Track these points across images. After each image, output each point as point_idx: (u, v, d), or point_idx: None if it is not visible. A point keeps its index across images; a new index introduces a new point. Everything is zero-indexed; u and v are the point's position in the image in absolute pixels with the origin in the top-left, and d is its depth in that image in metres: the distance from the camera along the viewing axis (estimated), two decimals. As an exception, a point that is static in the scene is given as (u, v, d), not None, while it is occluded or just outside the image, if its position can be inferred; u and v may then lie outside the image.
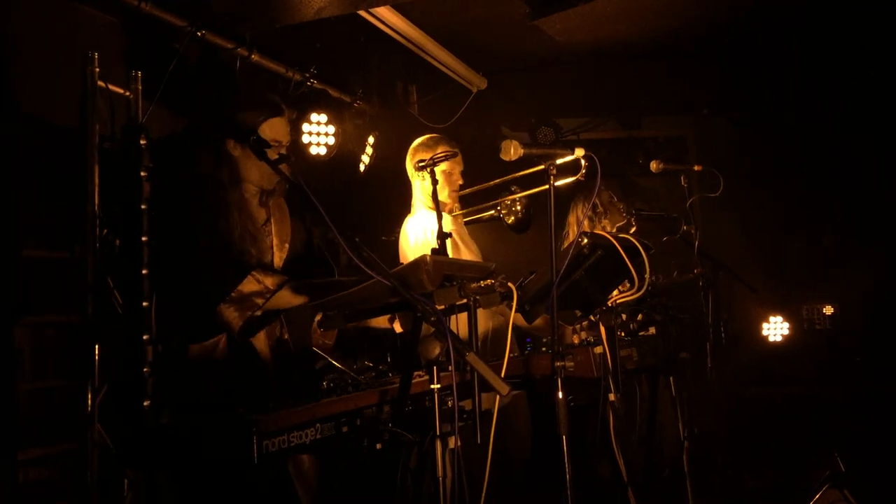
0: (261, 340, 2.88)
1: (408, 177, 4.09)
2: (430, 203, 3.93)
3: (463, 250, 3.90)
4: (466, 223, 4.07)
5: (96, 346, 2.97)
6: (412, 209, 4.07)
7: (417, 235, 3.86)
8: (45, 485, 3.31)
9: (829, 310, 6.42)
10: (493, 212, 3.87)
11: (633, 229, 4.38)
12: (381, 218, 4.27)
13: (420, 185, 4.01)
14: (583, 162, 2.80)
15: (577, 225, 4.46)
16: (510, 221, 3.81)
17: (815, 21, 5.41)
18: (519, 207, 3.76)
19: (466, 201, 4.06)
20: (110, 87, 3.18)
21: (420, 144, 4.02)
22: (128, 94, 3.29)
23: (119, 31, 3.79)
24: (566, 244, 4.23)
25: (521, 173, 3.45)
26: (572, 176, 2.88)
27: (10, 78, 3.25)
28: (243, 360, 2.82)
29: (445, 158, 3.83)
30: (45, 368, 3.43)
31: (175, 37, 3.93)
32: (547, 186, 2.76)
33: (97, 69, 3.12)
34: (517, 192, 3.74)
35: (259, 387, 2.81)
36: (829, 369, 6.09)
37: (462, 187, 4.00)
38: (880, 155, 6.32)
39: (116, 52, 3.72)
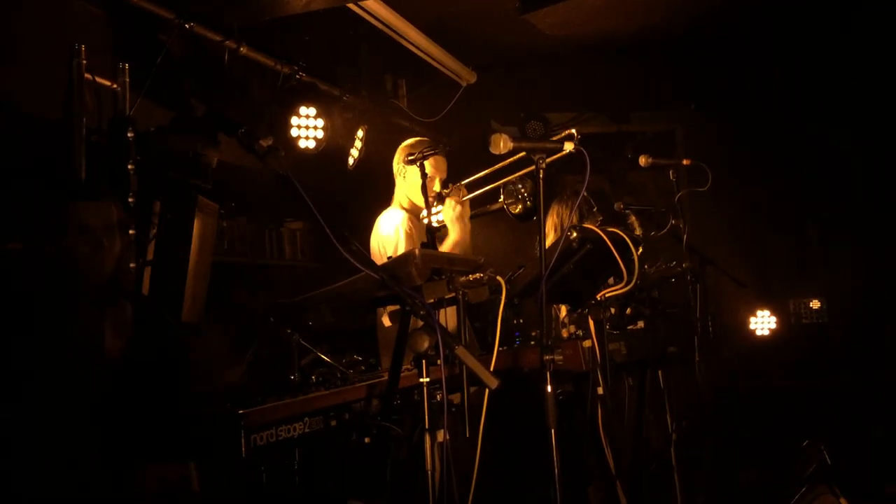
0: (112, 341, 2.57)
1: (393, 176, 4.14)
2: (405, 202, 4.05)
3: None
4: (473, 217, 4.07)
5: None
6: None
7: (388, 231, 3.95)
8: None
9: (815, 304, 6.46)
10: (499, 203, 3.81)
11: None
12: (370, 211, 4.28)
13: (399, 183, 4.06)
14: (574, 133, 2.77)
15: (556, 229, 4.46)
16: (517, 211, 3.74)
17: (801, 17, 5.43)
18: (525, 193, 3.67)
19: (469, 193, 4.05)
20: (97, 79, 3.16)
21: (408, 146, 4.08)
22: (115, 86, 3.27)
23: (106, 23, 3.77)
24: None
25: (509, 161, 3.42)
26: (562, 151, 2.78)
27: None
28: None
29: (434, 153, 3.86)
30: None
31: (163, 29, 3.90)
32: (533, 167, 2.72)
33: (84, 61, 3.09)
34: (516, 179, 3.65)
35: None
36: (817, 363, 6.12)
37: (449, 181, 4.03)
38: (867, 150, 6.36)
39: (103, 44, 3.69)
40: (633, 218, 4.25)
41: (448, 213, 3.91)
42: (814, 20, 5.46)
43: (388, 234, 3.93)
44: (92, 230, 2.58)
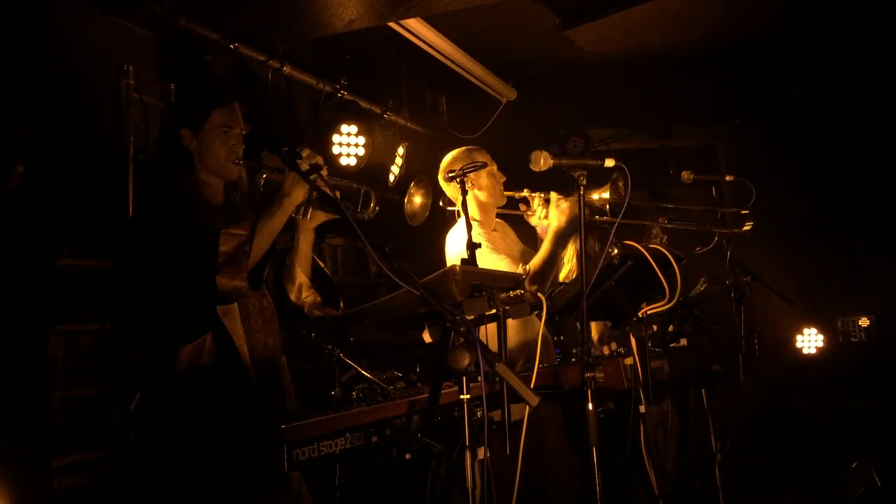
0: (243, 343, 2.69)
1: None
2: (476, 213, 3.89)
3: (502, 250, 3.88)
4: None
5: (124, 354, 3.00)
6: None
7: (457, 247, 3.85)
8: (78, 491, 3.35)
9: (864, 322, 6.32)
10: None
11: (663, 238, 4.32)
12: (410, 228, 4.29)
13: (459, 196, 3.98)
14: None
15: (576, 258, 4.39)
16: None
17: (844, 30, 5.36)
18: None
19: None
20: (144, 98, 3.23)
21: (454, 158, 4.01)
22: (162, 105, 3.34)
23: (153, 44, 3.85)
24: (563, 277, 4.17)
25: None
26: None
27: (47, 91, 3.31)
28: (226, 365, 2.64)
29: (475, 169, 3.82)
30: (78, 376, 3.48)
31: (208, 49, 3.98)
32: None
33: (132, 81, 3.17)
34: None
35: (242, 396, 2.63)
36: (865, 380, 5.99)
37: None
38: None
39: (151, 64, 3.78)
40: (661, 236, 4.18)
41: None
42: (857, 34, 5.39)
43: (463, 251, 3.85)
44: None
